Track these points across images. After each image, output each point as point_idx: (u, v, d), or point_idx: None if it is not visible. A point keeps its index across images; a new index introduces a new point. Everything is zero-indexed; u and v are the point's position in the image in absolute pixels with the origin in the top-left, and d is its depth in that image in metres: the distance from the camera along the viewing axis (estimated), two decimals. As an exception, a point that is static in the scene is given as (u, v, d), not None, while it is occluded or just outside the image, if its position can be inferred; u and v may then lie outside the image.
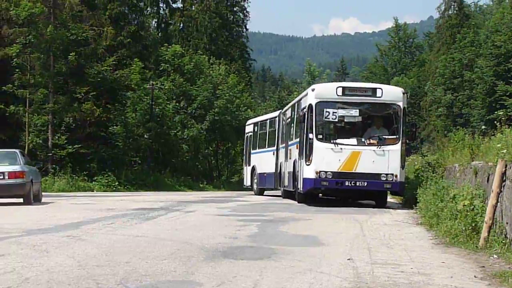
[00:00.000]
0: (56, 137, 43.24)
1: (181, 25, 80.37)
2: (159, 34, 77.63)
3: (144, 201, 24.74)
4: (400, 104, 22.11)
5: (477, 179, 14.80)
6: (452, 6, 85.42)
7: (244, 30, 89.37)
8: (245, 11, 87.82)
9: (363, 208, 21.36)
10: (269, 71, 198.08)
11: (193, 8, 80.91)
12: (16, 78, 43.06)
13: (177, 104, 58.63)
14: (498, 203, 11.90)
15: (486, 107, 52.72)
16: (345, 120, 22.69)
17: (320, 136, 21.87)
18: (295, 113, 25.30)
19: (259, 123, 36.43)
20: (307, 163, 21.64)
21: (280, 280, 8.17)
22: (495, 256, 10.77)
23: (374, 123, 22.85)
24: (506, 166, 11.75)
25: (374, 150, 21.58)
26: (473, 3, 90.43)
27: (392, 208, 23.55)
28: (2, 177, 21.66)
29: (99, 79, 45.82)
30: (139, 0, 70.80)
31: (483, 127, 25.65)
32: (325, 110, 21.81)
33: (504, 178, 11.76)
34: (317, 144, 21.51)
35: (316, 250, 11.04)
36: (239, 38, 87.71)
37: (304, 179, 22.04)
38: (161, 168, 54.42)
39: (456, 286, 8.26)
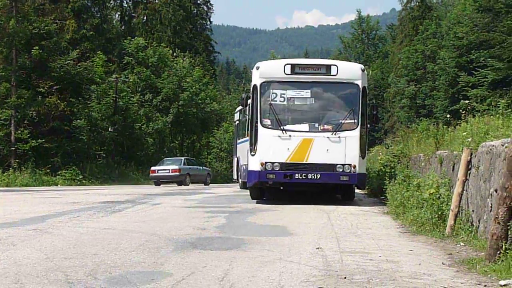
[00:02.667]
0: (19, 131, 42.89)
1: (145, 18, 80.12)
2: (123, 27, 77.32)
3: (110, 195, 24.55)
4: (359, 82, 19.38)
5: (443, 168, 14.91)
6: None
7: (208, 23, 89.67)
8: (208, 4, 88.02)
9: (329, 199, 21.21)
10: (233, 64, 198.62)
11: (156, 1, 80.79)
12: (-22, 72, 42.65)
13: (142, 97, 58.47)
14: (464, 191, 12.00)
15: (449, 98, 53.06)
16: (295, 103, 19.94)
17: (266, 122, 19.16)
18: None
19: (242, 109, 33.96)
20: (252, 153, 19.26)
21: (250, 269, 8.17)
22: (461, 243, 10.85)
23: (328, 105, 20.20)
24: (471, 154, 11.84)
25: (328, 137, 18.80)
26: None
27: (358, 198, 23.67)
28: (168, 172, 42.14)
29: (62, 73, 45.57)
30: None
31: (448, 116, 25.03)
32: (271, 91, 19.40)
33: (470, 166, 11.86)
34: (262, 131, 18.97)
35: (285, 240, 11.04)
36: (203, 31, 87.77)
37: (249, 172, 19.64)
38: (126, 161, 54.18)
39: (425, 273, 8.30)
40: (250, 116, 20.08)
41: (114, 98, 52.48)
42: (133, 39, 62.28)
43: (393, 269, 8.51)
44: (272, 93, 19.34)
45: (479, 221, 11.20)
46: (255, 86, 19.43)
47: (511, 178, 8.81)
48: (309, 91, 19.57)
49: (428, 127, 20.55)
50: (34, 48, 43.30)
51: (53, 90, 44.54)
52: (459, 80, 47.15)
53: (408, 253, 10.02)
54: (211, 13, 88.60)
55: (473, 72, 41.67)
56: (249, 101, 20.07)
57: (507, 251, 8.51)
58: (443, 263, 9.08)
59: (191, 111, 61.02)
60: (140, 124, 56.98)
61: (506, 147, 9.38)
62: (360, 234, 12.33)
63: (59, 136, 45.25)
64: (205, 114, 63.69)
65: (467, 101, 20.40)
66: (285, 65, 19.60)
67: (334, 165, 18.69)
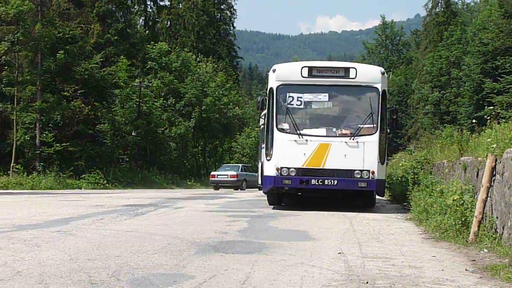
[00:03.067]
0: (44, 135, 43.09)
1: (169, 23, 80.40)
2: (147, 32, 77.54)
3: (133, 198, 24.66)
4: (379, 86, 18.75)
5: (467, 174, 14.85)
6: (439, 4, 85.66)
7: (231, 28, 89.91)
8: (232, 9, 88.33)
9: (351, 205, 21.10)
10: (256, 69, 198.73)
11: (180, 6, 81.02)
12: (4, 76, 43.01)
13: (165, 101, 58.65)
14: (488, 198, 11.94)
15: (474, 104, 52.84)
16: (312, 106, 19.51)
17: (282, 126, 18.62)
18: None
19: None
20: (268, 158, 18.71)
21: (271, 273, 8.17)
22: (485, 250, 10.79)
23: (347, 109, 19.71)
24: (496, 160, 11.79)
25: (346, 142, 18.23)
26: (460, 1, 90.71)
27: (381, 205, 23.61)
28: (227, 177, 46.32)
29: (86, 77, 45.77)
30: (127, -3, 70.79)
31: (474, 120, 24.64)
32: (288, 94, 18.83)
33: (494, 172, 11.80)
34: (278, 136, 18.46)
35: (306, 244, 11.03)
36: (227, 36, 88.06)
37: (264, 177, 19.19)
38: (148, 165, 54.38)
39: (447, 279, 8.27)
40: (266, 120, 19.68)
41: (137, 103, 52.66)
42: (156, 44, 62.58)
43: (415, 274, 8.48)
44: (289, 97, 18.85)
45: (503, 227, 11.14)
46: (271, 89, 18.95)
47: (535, 184, 8.77)
48: (327, 94, 19.10)
49: (452, 134, 20.47)
50: (59, 52, 43.50)
51: (78, 94, 44.77)
52: (484, 86, 46.95)
53: (431, 259, 9.98)
54: (234, 18, 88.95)
55: (498, 78, 41.50)
56: (266, 105, 19.62)
57: (531, 257, 8.47)
58: (466, 269, 9.04)
59: (214, 116, 61.21)
60: (163, 129, 57.15)
61: (530, 153, 9.33)
62: (383, 239, 12.30)
63: (83, 140, 45.45)
64: (227, 119, 63.85)
65: (490, 108, 20.30)
66: (302, 67, 19.06)
67: (352, 171, 18.15)
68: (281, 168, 18.18)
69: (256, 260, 9.09)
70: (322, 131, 18.68)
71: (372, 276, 8.25)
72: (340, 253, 10.13)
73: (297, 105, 18.87)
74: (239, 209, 18.81)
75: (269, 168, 18.55)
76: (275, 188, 18.94)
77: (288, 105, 18.75)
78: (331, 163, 18.06)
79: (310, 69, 18.93)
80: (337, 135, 18.58)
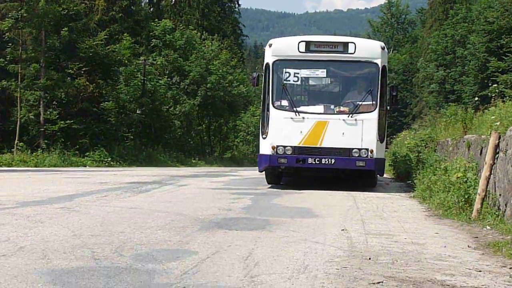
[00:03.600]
0: (48, 112, 43.05)
1: (173, 0, 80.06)
2: (151, 9, 77.30)
3: (137, 176, 24.69)
4: (378, 61, 18.02)
5: (470, 152, 14.87)
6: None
7: (236, 5, 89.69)
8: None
9: (355, 183, 21.09)
10: (261, 48, 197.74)
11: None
12: (8, 53, 42.88)
13: (169, 79, 58.61)
14: (491, 175, 11.95)
15: (478, 83, 52.69)
16: (310, 83, 19.08)
17: (278, 103, 18.04)
18: None
19: None
20: (263, 136, 18.18)
21: (274, 249, 8.20)
22: (488, 227, 10.83)
23: (345, 86, 19.17)
24: (499, 138, 11.80)
25: (344, 120, 17.57)
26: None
27: (385, 182, 23.64)
28: None
29: (91, 54, 45.62)
30: (131, -26, 70.55)
31: (476, 98, 24.35)
32: (284, 70, 18.15)
33: (498, 150, 11.82)
34: (274, 113, 17.86)
35: (310, 221, 11.06)
36: (231, 14, 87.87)
37: (260, 156, 18.58)
38: (153, 143, 54.39)
39: (450, 255, 8.30)
40: (262, 97, 18.97)
41: (142, 81, 52.67)
42: (160, 22, 62.45)
43: (418, 251, 8.52)
44: (285, 72, 18.16)
45: (506, 205, 11.17)
46: (267, 64, 18.29)
47: (538, 161, 8.77)
48: (325, 70, 18.34)
49: (456, 112, 20.46)
50: (63, 29, 43.33)
51: (82, 71, 44.65)
52: (489, 65, 46.84)
53: (434, 236, 10.01)
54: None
55: (503, 57, 41.41)
56: (261, 81, 18.98)
57: (534, 234, 8.50)
58: (468, 246, 9.07)
59: (219, 94, 61.15)
60: (167, 107, 57.11)
61: (534, 131, 9.33)
62: (386, 217, 12.34)
63: (88, 118, 45.39)
64: (232, 97, 63.79)
65: (494, 85, 20.30)
66: (299, 42, 18.29)
67: (350, 150, 17.49)
68: (277, 146, 17.68)
69: (259, 237, 9.12)
70: (319, 108, 18.10)
71: (375, 252, 8.28)
72: (343, 230, 10.17)
73: (293, 81, 18.32)
74: (243, 187, 18.85)
75: (265, 147, 18.06)
76: (270, 167, 18.42)
77: (285, 81, 18.20)
78: (328, 142, 17.49)
79: (308, 43, 18.25)
80: (335, 112, 17.93)
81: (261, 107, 19.22)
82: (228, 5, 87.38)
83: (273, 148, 17.67)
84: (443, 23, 75.57)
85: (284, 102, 18.07)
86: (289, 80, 18.17)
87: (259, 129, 19.05)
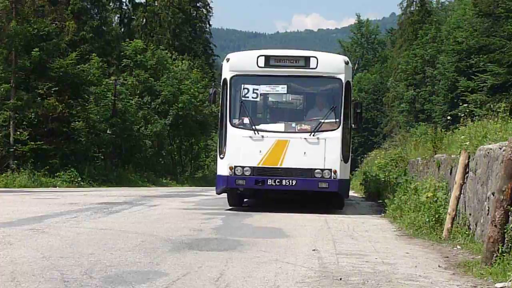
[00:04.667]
0: (18, 133, 42.79)
1: (144, 20, 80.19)
2: (122, 29, 77.24)
3: (108, 196, 24.54)
4: (342, 77, 16.89)
5: (440, 171, 14.96)
6: (414, 3, 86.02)
7: (208, 26, 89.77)
8: (208, 7, 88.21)
9: (328, 202, 21.02)
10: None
11: (156, 4, 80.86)
12: (-23, 74, 42.68)
13: (140, 99, 58.54)
14: (461, 195, 12.02)
15: (448, 102, 53.01)
16: (270, 99, 18.00)
17: (236, 121, 17.01)
18: None
19: None
20: (221, 155, 17.11)
21: (245, 269, 8.18)
22: (458, 246, 10.88)
23: (307, 102, 18.15)
24: (469, 157, 11.87)
25: (306, 138, 16.48)
26: (434, 0, 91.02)
27: (356, 202, 23.71)
28: None
29: (61, 74, 45.43)
30: (101, -5, 70.61)
31: (449, 117, 24.15)
32: (243, 86, 17.14)
33: (467, 169, 11.89)
34: (231, 132, 16.79)
35: (281, 242, 11.06)
36: (203, 34, 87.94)
37: (218, 177, 17.38)
38: (124, 163, 54.15)
39: (421, 275, 8.32)
40: (219, 115, 17.92)
41: (112, 101, 52.51)
42: (131, 42, 62.41)
43: (389, 271, 8.53)
44: (244, 89, 17.15)
45: (476, 224, 11.22)
46: (225, 80, 17.23)
47: (508, 181, 8.82)
48: (285, 86, 17.35)
49: (426, 131, 20.61)
50: (34, 49, 43.26)
51: (52, 91, 44.41)
52: (458, 85, 47.18)
53: (405, 255, 10.04)
54: (210, 16, 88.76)
55: (473, 77, 41.73)
56: (218, 98, 18.11)
57: (504, 254, 8.53)
58: (439, 266, 9.10)
59: (190, 114, 61.11)
60: (138, 127, 56.95)
61: (503, 150, 9.39)
62: (357, 236, 12.36)
63: (58, 138, 45.10)
64: (203, 117, 63.76)
65: (464, 105, 20.42)
66: (258, 56, 17.26)
67: (312, 170, 16.46)
68: (235, 167, 16.60)
69: (230, 257, 9.09)
70: (280, 126, 17.11)
71: (346, 272, 8.28)
72: (314, 250, 10.17)
73: (252, 97, 17.24)
74: (214, 207, 18.74)
75: (222, 167, 17.02)
76: (228, 189, 17.41)
77: (243, 98, 17.14)
78: (289, 162, 16.47)
79: (267, 58, 17.21)
80: (296, 130, 17.00)
81: (218, 125, 18.21)
82: (199, 25, 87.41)
83: (230, 168, 16.64)
84: (412, 43, 76.12)
85: (243, 120, 17.14)
86: (248, 97, 17.18)
87: (217, 149, 18.06)
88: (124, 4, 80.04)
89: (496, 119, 12.91)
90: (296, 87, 17.66)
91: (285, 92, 17.59)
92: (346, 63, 17.32)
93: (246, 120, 16.99)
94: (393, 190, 18.75)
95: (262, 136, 16.55)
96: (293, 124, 17.12)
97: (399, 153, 24.30)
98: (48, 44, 45.51)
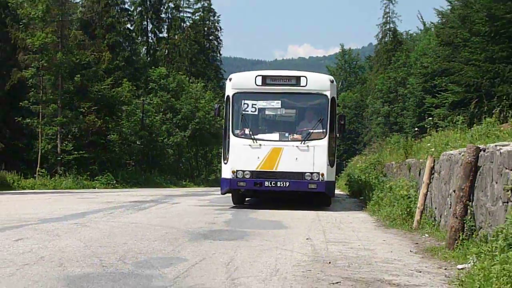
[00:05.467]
0: (64, 144, 42.97)
1: (166, 51, 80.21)
2: (148, 58, 77.29)
3: (137, 196, 24.51)
4: (328, 93, 16.62)
5: (411, 173, 14.94)
6: (388, 34, 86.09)
7: (218, 55, 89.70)
8: (218, 40, 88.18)
9: (319, 200, 20.90)
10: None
11: (176, 37, 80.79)
12: (31, 96, 42.85)
13: (164, 115, 58.64)
14: (428, 192, 12.01)
15: (416, 116, 52.80)
16: (266, 113, 17.46)
17: (238, 131, 16.75)
18: None
19: None
20: (225, 161, 16.86)
21: (251, 256, 8.17)
22: (426, 235, 10.86)
23: (298, 115, 17.70)
24: (434, 161, 11.86)
25: (297, 146, 16.24)
26: (405, 32, 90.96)
27: (342, 199, 23.66)
28: None
29: (99, 96, 45.76)
30: (131, 31, 70.98)
31: (416, 129, 24.00)
32: (243, 101, 16.80)
33: (433, 171, 11.88)
34: (233, 141, 16.54)
35: (280, 232, 11.03)
36: (214, 61, 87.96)
37: (222, 180, 17.18)
38: (150, 168, 54.21)
39: (395, 258, 8.31)
40: (223, 126, 17.64)
41: (141, 117, 52.74)
42: (156, 69, 62.60)
43: (369, 255, 8.52)
44: (244, 104, 16.83)
45: (440, 216, 11.20)
46: (227, 97, 17.00)
47: (466, 180, 8.82)
48: (280, 101, 16.98)
49: (399, 140, 20.57)
50: (77, 76, 43.53)
51: (92, 110, 44.64)
52: (425, 101, 46.99)
53: (382, 242, 10.02)
54: (220, 47, 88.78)
55: (436, 95, 41.49)
56: (223, 112, 17.63)
57: (463, 241, 8.52)
58: (410, 251, 9.08)
59: (205, 127, 61.13)
60: (162, 138, 57.03)
61: (462, 155, 9.39)
62: (343, 227, 12.34)
63: (96, 148, 45.26)
64: (216, 129, 63.68)
65: (430, 118, 20.38)
66: (256, 76, 16.97)
67: (303, 173, 16.15)
68: (237, 171, 16.33)
69: (238, 246, 9.07)
70: (275, 136, 16.71)
71: (334, 257, 8.27)
72: (307, 239, 10.15)
73: (251, 111, 16.93)
74: (225, 204, 18.65)
75: (226, 171, 16.74)
76: (231, 190, 17.08)
77: (243, 112, 16.89)
78: (283, 166, 16.17)
79: (264, 77, 16.94)
80: (289, 139, 16.61)
81: (223, 135, 17.84)
82: (211, 54, 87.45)
83: (233, 172, 16.38)
84: (386, 67, 75.96)
85: (244, 131, 16.82)
86: (248, 111, 16.90)
87: (221, 155, 17.78)
88: (150, 38, 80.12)
89: (456, 129, 12.90)
90: (288, 102, 17.26)
91: (279, 106, 17.18)
92: (332, 81, 17.02)
93: (246, 131, 16.74)
94: (372, 189, 18.72)
95: (260, 145, 16.37)
96: (286, 134, 16.81)
97: (377, 158, 24.22)
98: (88, 71, 45.83)
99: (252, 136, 16.51)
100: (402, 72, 66.13)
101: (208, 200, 21.90)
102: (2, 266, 7.00)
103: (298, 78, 16.90)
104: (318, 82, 16.99)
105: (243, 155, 16.33)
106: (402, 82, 64.96)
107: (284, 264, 7.56)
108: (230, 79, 17.24)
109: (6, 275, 6.52)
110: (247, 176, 16.28)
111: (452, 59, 36.32)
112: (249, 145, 16.35)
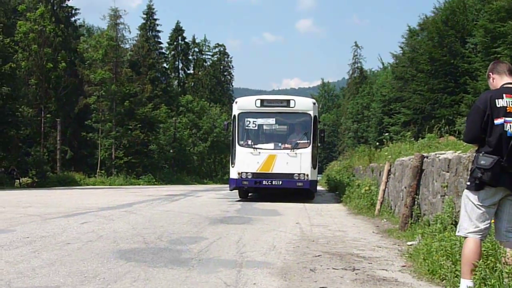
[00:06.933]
0: (117, 152, 43.22)
1: (193, 83, 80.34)
2: (179, 89, 77.37)
3: (171, 191, 24.50)
4: (311, 113, 16.42)
5: (374, 174, 14.91)
6: (356, 71, 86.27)
7: (231, 86, 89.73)
8: (231, 75, 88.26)
9: (306, 195, 20.82)
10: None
11: (199, 73, 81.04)
12: (93, 117, 43.25)
13: (190, 131, 58.84)
14: (386, 188, 12.00)
15: (377, 132, 52.79)
16: (263, 128, 17.26)
17: (242, 142, 16.46)
18: None
19: None
20: (232, 165, 16.51)
21: (255, 235, 8.17)
22: (384, 220, 10.84)
23: (288, 129, 17.30)
24: (390, 165, 11.86)
25: (288, 153, 15.97)
26: (369, 69, 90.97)
27: (322, 193, 23.59)
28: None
29: (143, 117, 45.97)
30: (167, 68, 71.10)
31: (377, 141, 24.04)
32: (246, 119, 16.61)
33: (390, 173, 11.88)
34: (239, 149, 16.28)
35: (276, 218, 11.02)
36: (228, 91, 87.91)
37: (230, 179, 16.76)
38: (180, 170, 54.29)
39: (362, 237, 8.30)
40: (231, 138, 17.14)
41: (173, 132, 52.91)
42: (185, 96, 62.87)
43: (342, 235, 8.51)
44: (247, 121, 16.62)
45: (395, 206, 11.20)
46: (234, 116, 16.75)
47: (414, 179, 8.83)
48: (274, 119, 16.75)
49: (364, 150, 20.52)
50: (126, 102, 43.84)
51: (137, 127, 44.82)
52: (383, 121, 47.06)
53: (352, 226, 10.01)
54: (232, 80, 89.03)
55: (392, 116, 41.63)
56: (231, 127, 17.21)
57: (412, 224, 8.52)
58: (373, 232, 9.08)
59: (221, 140, 61.26)
60: (189, 148, 57.20)
61: (411, 161, 9.40)
62: (323, 214, 12.32)
63: (141, 155, 45.38)
64: (228, 141, 63.66)
65: (387, 134, 20.38)
66: (256, 99, 16.81)
67: (292, 174, 15.87)
68: (241, 172, 16.06)
69: (245, 228, 9.07)
70: (270, 145, 16.42)
71: (316, 236, 8.27)
72: (297, 223, 10.14)
73: (252, 127, 16.75)
74: (236, 197, 18.59)
75: (233, 173, 16.39)
76: (237, 187, 16.66)
77: (246, 127, 16.66)
78: (277, 169, 15.91)
79: (262, 101, 16.75)
80: (281, 148, 16.32)
81: (230, 145, 17.36)
82: (225, 85, 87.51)
83: (238, 173, 16.10)
84: (356, 96, 76.02)
85: (247, 142, 16.55)
86: (249, 126, 16.69)
87: (229, 160, 17.29)
88: (181, 74, 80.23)
89: (406, 142, 12.90)
90: (281, 119, 16.90)
91: (274, 123, 16.92)
92: (314, 103, 16.86)
93: (249, 142, 16.52)
94: (344, 186, 18.69)
95: (259, 152, 16.12)
96: (279, 144, 16.48)
97: (348, 163, 24.19)
98: (135, 98, 46.11)
99: (253, 146, 16.34)
100: (367, 99, 66.16)
101: (222, 194, 21.84)
102: (72, 242, 7.02)
103: (288, 101, 16.74)
104: (304, 104, 16.80)
105: (246, 160, 16.13)
106: (367, 106, 64.89)
107: (279, 242, 7.57)
108: (236, 102, 17.07)
109: (75, 249, 6.55)
110: (249, 177, 16.08)
111: (403, 90, 36.35)
112: (251, 152, 16.16)
